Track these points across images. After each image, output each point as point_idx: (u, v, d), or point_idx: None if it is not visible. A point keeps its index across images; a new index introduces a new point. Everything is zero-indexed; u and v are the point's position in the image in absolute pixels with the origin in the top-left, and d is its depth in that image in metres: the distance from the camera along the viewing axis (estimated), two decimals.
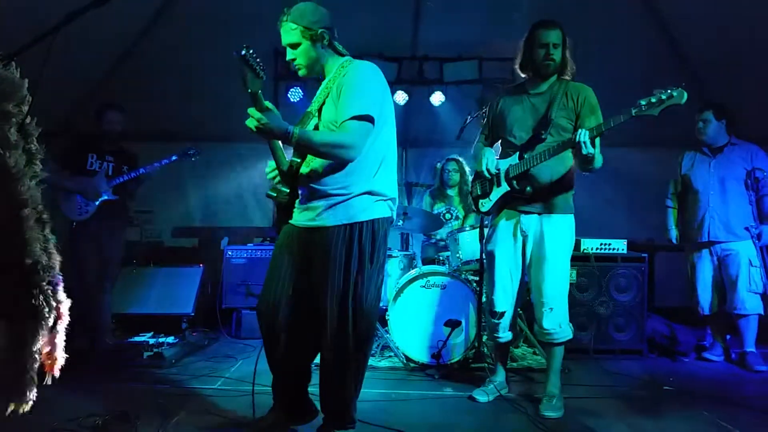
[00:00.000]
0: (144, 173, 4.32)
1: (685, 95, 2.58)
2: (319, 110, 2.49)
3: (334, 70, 2.46)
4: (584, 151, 2.73)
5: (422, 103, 5.91)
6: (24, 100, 1.43)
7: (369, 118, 2.32)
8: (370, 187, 2.42)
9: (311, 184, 2.44)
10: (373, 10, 5.16)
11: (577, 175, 3.14)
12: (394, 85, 5.79)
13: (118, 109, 4.37)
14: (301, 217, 2.49)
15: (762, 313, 4.09)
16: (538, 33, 3.02)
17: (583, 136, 2.72)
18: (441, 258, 4.61)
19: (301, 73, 2.52)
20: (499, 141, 3.19)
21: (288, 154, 2.47)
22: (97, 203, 4.20)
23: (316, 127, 2.47)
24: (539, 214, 3.06)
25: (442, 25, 5.57)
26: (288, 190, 2.46)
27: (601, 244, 4.41)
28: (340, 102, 2.35)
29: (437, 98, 5.83)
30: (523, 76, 3.18)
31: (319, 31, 2.39)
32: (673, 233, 4.46)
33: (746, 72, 5.17)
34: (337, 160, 2.36)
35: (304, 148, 2.32)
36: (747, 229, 4.02)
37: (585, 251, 4.38)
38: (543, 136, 2.99)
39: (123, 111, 4.39)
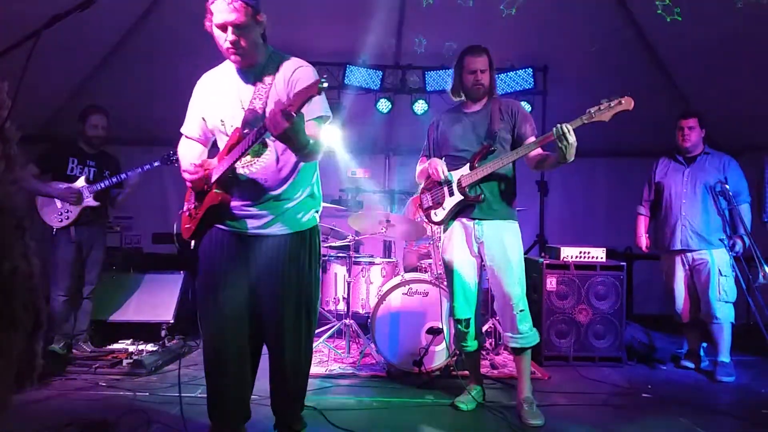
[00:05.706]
0: (126, 178, 4.25)
1: (632, 102, 2.70)
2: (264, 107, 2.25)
3: (265, 61, 2.29)
4: (570, 140, 2.70)
5: (405, 112, 5.94)
6: (3, 104, 1.41)
7: (328, 119, 2.28)
8: (311, 190, 2.43)
9: (256, 189, 2.30)
10: (357, 19, 5.18)
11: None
12: (377, 94, 5.83)
13: (103, 112, 4.31)
14: (241, 224, 2.33)
15: (734, 321, 4.08)
16: (466, 60, 3.20)
17: (564, 127, 2.71)
18: (423, 265, 4.63)
19: (237, 60, 2.24)
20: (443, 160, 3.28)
21: None
22: (78, 209, 4.14)
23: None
24: (492, 220, 3.14)
25: (426, 34, 5.62)
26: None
27: (580, 252, 4.46)
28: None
29: None
30: (455, 99, 3.36)
31: (262, 12, 2.19)
32: (643, 241, 4.44)
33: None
34: (309, 160, 2.28)
35: (306, 153, 2.15)
36: (721, 240, 4.01)
37: (564, 259, 4.43)
38: (493, 147, 3.12)
39: (107, 114, 4.34)
